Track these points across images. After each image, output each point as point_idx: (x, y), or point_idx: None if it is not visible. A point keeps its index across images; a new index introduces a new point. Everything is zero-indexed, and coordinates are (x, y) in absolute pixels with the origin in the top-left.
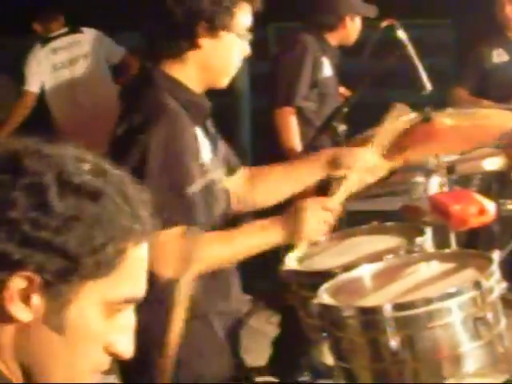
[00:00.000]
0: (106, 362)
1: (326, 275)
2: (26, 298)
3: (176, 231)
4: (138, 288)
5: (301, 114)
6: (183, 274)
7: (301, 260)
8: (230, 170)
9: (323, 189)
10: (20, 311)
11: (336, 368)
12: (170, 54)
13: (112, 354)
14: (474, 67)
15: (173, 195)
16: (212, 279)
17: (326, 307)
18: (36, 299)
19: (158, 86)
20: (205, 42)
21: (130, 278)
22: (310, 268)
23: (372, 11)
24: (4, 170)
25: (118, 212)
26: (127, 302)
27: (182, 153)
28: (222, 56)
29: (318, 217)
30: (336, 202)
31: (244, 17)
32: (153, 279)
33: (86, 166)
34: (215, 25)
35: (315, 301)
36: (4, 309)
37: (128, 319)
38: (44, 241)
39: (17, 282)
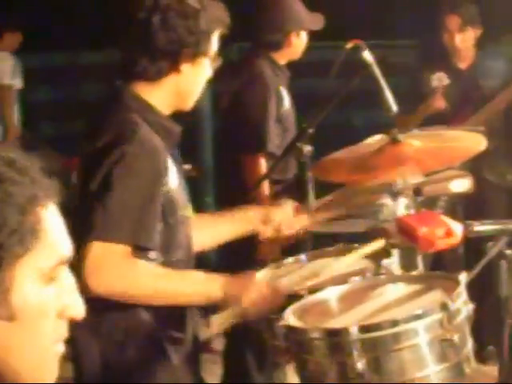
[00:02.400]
0: (64, 328)
1: (292, 297)
2: None
3: (120, 249)
4: (64, 247)
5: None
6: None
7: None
8: None
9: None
10: None
11: None
12: (147, 77)
13: (67, 318)
14: (415, 91)
15: (128, 213)
16: (167, 308)
17: (292, 329)
18: None
19: (128, 107)
20: (184, 67)
21: (52, 242)
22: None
23: (317, 23)
24: None
25: (17, 185)
26: (59, 264)
27: (152, 175)
28: (197, 80)
29: (259, 293)
30: (284, 289)
31: (215, 42)
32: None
33: None
34: (198, 52)
35: (281, 323)
36: None
37: (67, 279)
38: None
39: None
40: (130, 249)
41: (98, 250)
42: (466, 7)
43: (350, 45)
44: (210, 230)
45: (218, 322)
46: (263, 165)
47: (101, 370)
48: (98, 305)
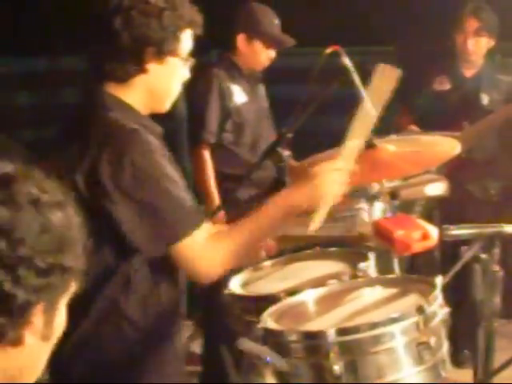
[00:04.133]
0: None
1: (269, 300)
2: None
3: (197, 235)
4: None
5: (220, 149)
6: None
7: (244, 284)
8: None
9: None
10: (28, 336)
11: None
12: (115, 78)
13: None
14: (416, 94)
15: (175, 208)
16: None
17: (269, 331)
18: (38, 321)
19: (110, 109)
20: (151, 66)
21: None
22: (254, 292)
23: (278, 41)
24: None
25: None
26: None
27: (164, 168)
28: (166, 81)
29: (332, 179)
30: (345, 161)
31: (187, 41)
32: None
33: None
34: (163, 50)
35: (259, 325)
36: (17, 339)
37: None
38: (55, 266)
39: (35, 318)
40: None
41: (186, 247)
42: (488, 15)
43: (328, 51)
44: None
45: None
46: (205, 156)
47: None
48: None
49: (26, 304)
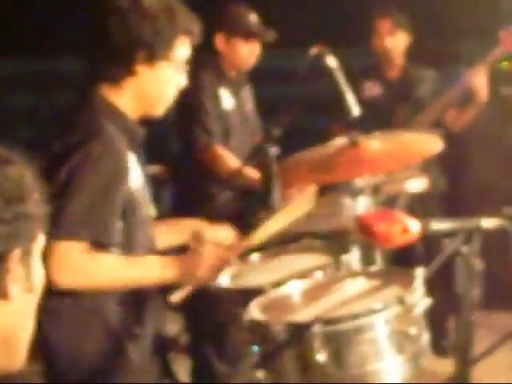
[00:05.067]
0: None
1: (256, 292)
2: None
3: (81, 246)
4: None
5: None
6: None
7: (232, 277)
8: None
9: None
10: (13, 288)
11: (266, 381)
12: (107, 79)
13: None
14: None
15: (88, 212)
16: (125, 304)
17: (256, 323)
18: (17, 270)
19: (95, 109)
20: (142, 69)
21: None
22: (241, 285)
23: (257, 34)
24: None
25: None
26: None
27: (113, 175)
28: (157, 85)
29: (211, 264)
30: (230, 251)
31: (183, 49)
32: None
33: None
34: (154, 54)
35: (245, 317)
36: (1, 289)
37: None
38: (19, 215)
39: (12, 265)
40: (89, 245)
41: (60, 248)
42: (396, 12)
43: (314, 51)
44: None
45: (178, 298)
46: (221, 151)
47: (65, 361)
48: (59, 293)
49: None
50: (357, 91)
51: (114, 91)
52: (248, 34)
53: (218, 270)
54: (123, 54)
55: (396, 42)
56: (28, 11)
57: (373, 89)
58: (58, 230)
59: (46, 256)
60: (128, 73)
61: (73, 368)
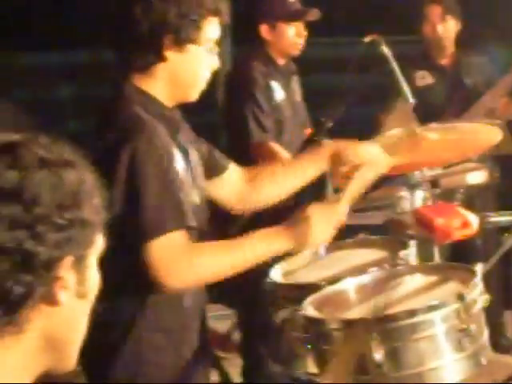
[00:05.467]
0: None
1: (311, 288)
2: (64, 282)
3: (178, 236)
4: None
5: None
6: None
7: (286, 273)
8: (217, 170)
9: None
10: (62, 295)
11: (320, 380)
12: (137, 67)
13: None
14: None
15: (164, 202)
16: (177, 300)
17: (310, 320)
18: (68, 277)
19: (130, 100)
20: (171, 54)
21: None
22: (295, 281)
23: (299, 14)
24: None
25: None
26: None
27: (166, 162)
28: (189, 69)
29: (323, 223)
30: (341, 207)
31: (212, 30)
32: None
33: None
34: (181, 38)
35: (300, 314)
36: (50, 298)
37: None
38: (73, 221)
39: (63, 273)
40: (184, 232)
41: (159, 247)
42: (452, 2)
43: (367, 39)
44: (279, 183)
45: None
46: (274, 147)
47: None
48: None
49: (50, 259)
50: (408, 81)
51: (146, 79)
52: (290, 16)
53: (331, 230)
54: (151, 40)
55: (447, 28)
56: (71, 3)
57: (424, 78)
58: (147, 230)
59: (146, 260)
60: (158, 59)
61: (129, 365)
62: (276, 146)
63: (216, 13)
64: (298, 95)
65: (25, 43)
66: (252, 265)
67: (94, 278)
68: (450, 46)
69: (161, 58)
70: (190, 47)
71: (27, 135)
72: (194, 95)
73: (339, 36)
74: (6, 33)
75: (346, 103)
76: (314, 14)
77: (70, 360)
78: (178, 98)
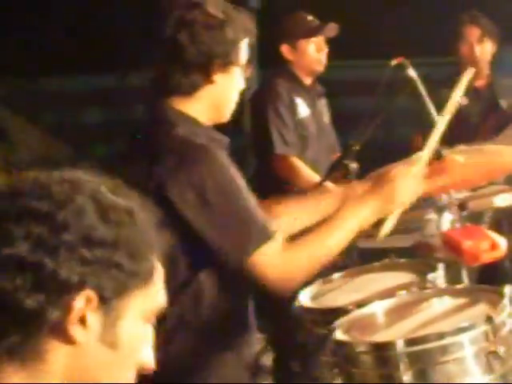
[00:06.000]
0: (134, 375)
1: (339, 312)
2: (82, 318)
3: (274, 244)
4: (163, 297)
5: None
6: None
7: (314, 297)
8: None
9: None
10: (79, 332)
11: None
12: (183, 91)
13: (140, 366)
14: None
15: (244, 220)
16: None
17: (339, 343)
18: (92, 318)
19: (176, 124)
20: (218, 77)
21: (159, 288)
22: (324, 305)
23: (314, 31)
24: (37, 198)
25: (146, 227)
26: (156, 311)
27: (235, 183)
28: (230, 89)
29: (408, 184)
30: (421, 167)
31: (245, 50)
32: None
33: (106, 188)
34: (228, 61)
35: (329, 337)
36: (64, 331)
37: (151, 331)
38: (102, 259)
39: (78, 303)
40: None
41: (262, 257)
42: (486, 20)
43: (394, 62)
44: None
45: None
46: (297, 163)
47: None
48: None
49: (65, 283)
50: (443, 102)
51: (186, 103)
52: (309, 33)
53: (415, 190)
54: (198, 65)
55: (484, 50)
56: (96, 28)
57: (462, 100)
58: (246, 246)
59: (252, 274)
60: (205, 83)
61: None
62: (298, 161)
63: (248, 33)
64: (326, 117)
65: (52, 68)
66: (349, 238)
67: (130, 331)
68: (485, 68)
69: (209, 82)
70: (234, 68)
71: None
72: (228, 115)
73: (366, 59)
74: (34, 58)
75: (373, 126)
76: (333, 29)
77: None
78: (214, 119)
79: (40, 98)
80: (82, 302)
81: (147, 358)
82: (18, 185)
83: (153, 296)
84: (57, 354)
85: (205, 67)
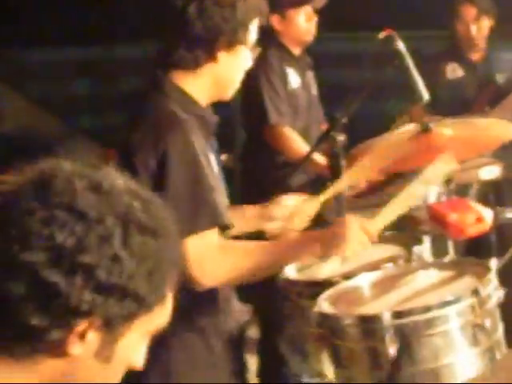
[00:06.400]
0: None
1: (325, 284)
2: (82, 335)
3: (212, 234)
4: (168, 315)
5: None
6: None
7: (300, 269)
8: None
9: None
10: (75, 348)
11: (335, 375)
12: (185, 66)
13: (129, 369)
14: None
15: (198, 201)
16: (210, 296)
17: (325, 316)
18: (92, 336)
19: (169, 97)
20: (222, 55)
21: (167, 310)
22: (309, 277)
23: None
24: (67, 208)
25: (169, 248)
26: (159, 329)
27: (199, 162)
28: (234, 69)
29: (357, 236)
30: (376, 226)
31: (255, 30)
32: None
33: (138, 203)
34: (234, 40)
35: (315, 309)
36: (61, 347)
37: (147, 340)
38: (118, 287)
39: (82, 327)
40: (217, 230)
41: (193, 245)
42: (485, 2)
43: (382, 35)
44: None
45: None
46: (289, 132)
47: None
48: None
49: (73, 309)
50: (438, 74)
51: (187, 78)
52: (298, 1)
53: (359, 246)
54: (204, 41)
55: (480, 27)
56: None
57: (455, 71)
58: (184, 227)
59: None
60: (209, 60)
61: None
62: (291, 131)
63: (259, 13)
64: (313, 89)
65: (39, 39)
66: (279, 267)
67: (127, 349)
68: (481, 43)
69: (212, 59)
70: (239, 48)
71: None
72: (230, 94)
73: (354, 31)
74: (19, 29)
75: (360, 99)
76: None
77: None
78: (215, 97)
79: (26, 69)
80: (86, 325)
81: (138, 362)
82: (49, 182)
83: (159, 317)
84: (49, 361)
85: (210, 44)
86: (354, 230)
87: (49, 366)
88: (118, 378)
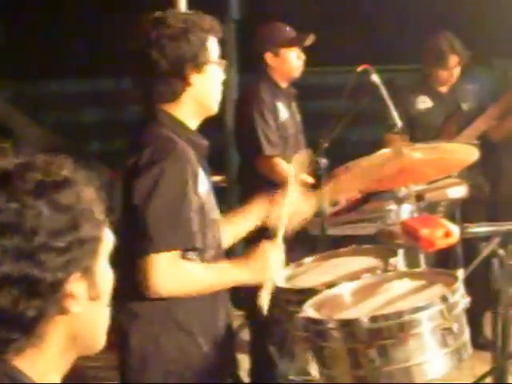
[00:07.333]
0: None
1: (310, 292)
2: (72, 295)
3: (174, 255)
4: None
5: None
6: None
7: (288, 279)
8: None
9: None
10: (71, 305)
11: (320, 374)
12: (165, 99)
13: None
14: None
15: (175, 223)
16: (199, 300)
17: (310, 320)
18: (79, 288)
19: (162, 124)
20: (194, 78)
21: (107, 231)
22: (297, 286)
23: (296, 41)
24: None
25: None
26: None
27: (188, 185)
28: (209, 86)
29: (277, 256)
30: (279, 244)
31: (214, 47)
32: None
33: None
34: (199, 62)
35: (301, 315)
36: (60, 311)
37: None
38: (73, 242)
39: (69, 288)
40: (178, 254)
41: (158, 261)
42: (460, 44)
43: (360, 69)
44: (229, 230)
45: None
46: (279, 163)
47: (139, 360)
48: (135, 295)
49: (56, 282)
50: (409, 104)
51: (175, 107)
52: (291, 42)
53: (280, 264)
54: (174, 74)
55: (458, 71)
56: (95, 36)
57: (425, 102)
58: (152, 243)
59: (141, 268)
60: (185, 86)
61: (148, 364)
62: (281, 161)
63: (212, 31)
64: (298, 116)
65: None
66: (214, 289)
67: (105, 280)
68: (453, 79)
69: (187, 84)
70: (206, 67)
71: (23, 160)
72: (215, 107)
73: (334, 66)
74: (35, 61)
75: (340, 126)
76: (311, 39)
77: (98, 344)
78: (203, 115)
79: (40, 100)
80: (73, 284)
81: (111, 279)
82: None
83: (108, 239)
84: (56, 331)
85: (179, 74)
86: (271, 251)
87: (59, 335)
88: (108, 302)
